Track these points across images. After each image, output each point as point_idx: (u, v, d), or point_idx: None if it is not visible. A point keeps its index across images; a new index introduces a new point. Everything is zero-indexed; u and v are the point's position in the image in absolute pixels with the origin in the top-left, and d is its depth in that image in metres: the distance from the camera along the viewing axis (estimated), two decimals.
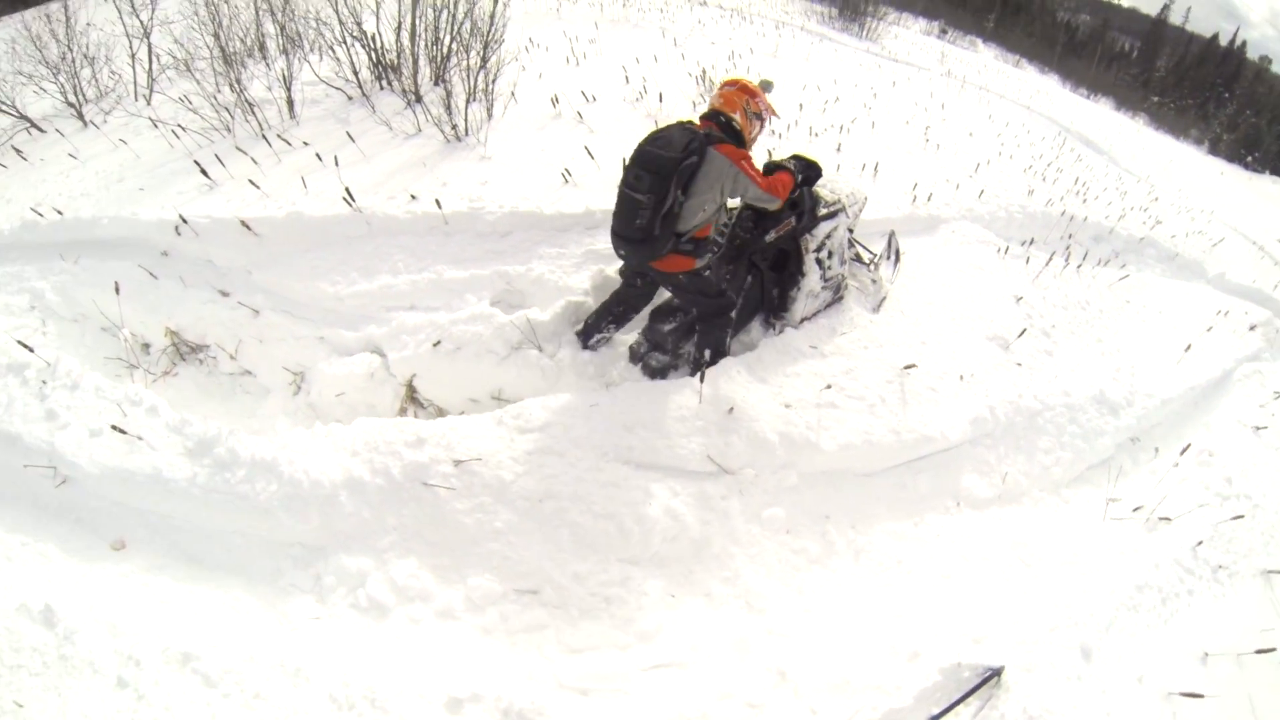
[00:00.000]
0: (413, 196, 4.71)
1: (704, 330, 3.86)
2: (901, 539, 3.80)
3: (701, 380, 3.63)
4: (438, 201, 4.58)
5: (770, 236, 4.05)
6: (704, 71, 8.56)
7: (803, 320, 4.40)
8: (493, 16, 6.55)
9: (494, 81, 6.36)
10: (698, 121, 3.51)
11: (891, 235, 5.53)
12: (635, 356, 4.06)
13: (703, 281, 3.59)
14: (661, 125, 3.49)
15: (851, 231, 4.72)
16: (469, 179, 5.07)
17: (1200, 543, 4.31)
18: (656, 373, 3.96)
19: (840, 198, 4.42)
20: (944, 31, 41.04)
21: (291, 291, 4.41)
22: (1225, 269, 10.00)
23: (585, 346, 4.07)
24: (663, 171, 3.18)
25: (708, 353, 3.86)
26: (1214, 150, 41.18)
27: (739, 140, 3.52)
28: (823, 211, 4.26)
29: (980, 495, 4.21)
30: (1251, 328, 8.16)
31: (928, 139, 9.34)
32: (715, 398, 3.69)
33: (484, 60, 6.44)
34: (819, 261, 4.33)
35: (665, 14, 15.32)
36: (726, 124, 3.50)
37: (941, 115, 11.79)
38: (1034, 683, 3.12)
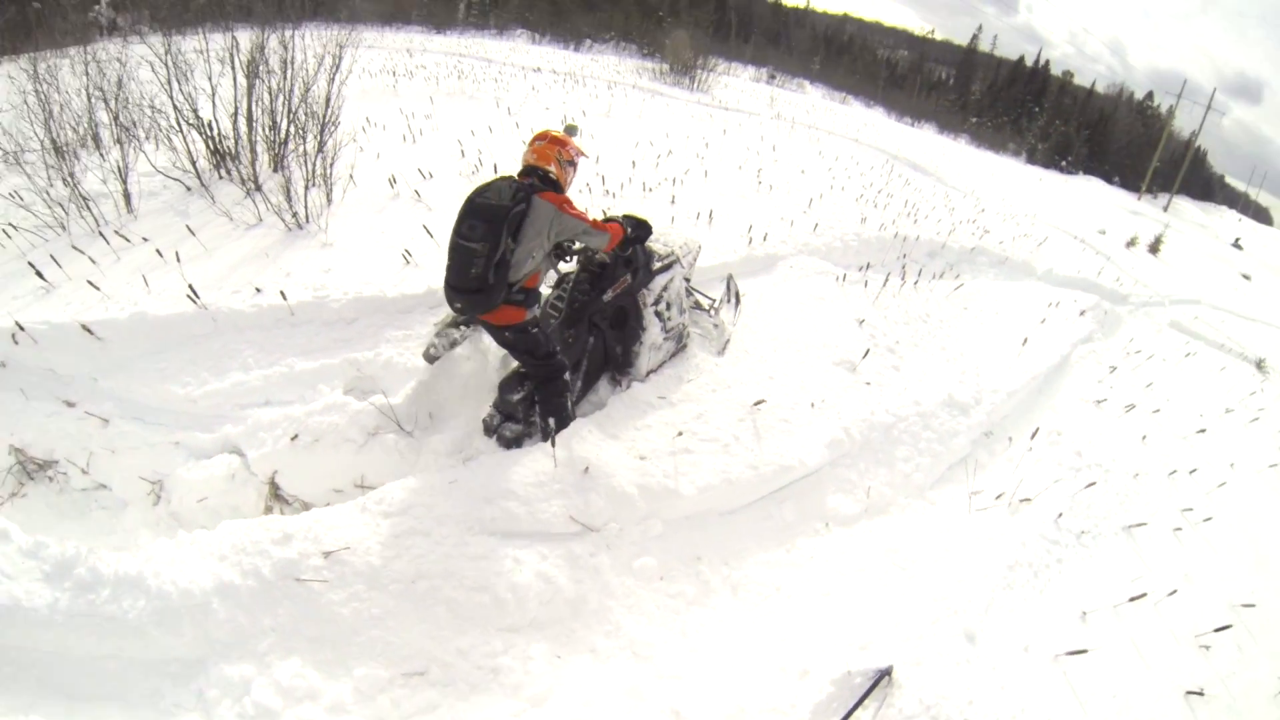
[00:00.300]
0: (257, 289, 4.87)
1: (543, 399, 4.15)
2: (776, 567, 4.19)
3: (553, 445, 3.93)
4: (282, 293, 4.76)
5: (608, 296, 4.44)
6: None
7: (649, 373, 4.82)
8: (328, 99, 6.92)
9: (332, 165, 6.71)
10: (517, 177, 3.89)
11: (729, 279, 6.12)
12: (489, 430, 4.26)
13: (531, 340, 3.91)
14: (484, 182, 3.85)
15: (688, 281, 5.28)
16: (312, 267, 5.33)
17: (1061, 514, 5.01)
18: (511, 443, 4.16)
19: (673, 249, 4.94)
20: (772, 77, 45.40)
21: (141, 397, 4.41)
22: (1052, 265, 11.59)
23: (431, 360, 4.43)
24: (495, 219, 3.53)
25: (552, 421, 4.14)
26: (1031, 159, 47.43)
27: (557, 188, 3.93)
28: (657, 265, 4.74)
29: (847, 513, 4.69)
30: (1081, 313, 9.49)
31: (760, 181, 10.37)
32: (570, 459, 3.93)
33: (321, 144, 6.78)
34: (658, 314, 4.79)
35: (499, 83, 16.34)
36: (544, 176, 3.90)
37: (773, 157, 13.09)
38: (925, 675, 3.52)
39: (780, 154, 13.57)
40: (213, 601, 3.14)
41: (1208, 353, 11.80)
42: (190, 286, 4.68)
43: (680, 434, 4.47)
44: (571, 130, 4.33)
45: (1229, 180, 79.57)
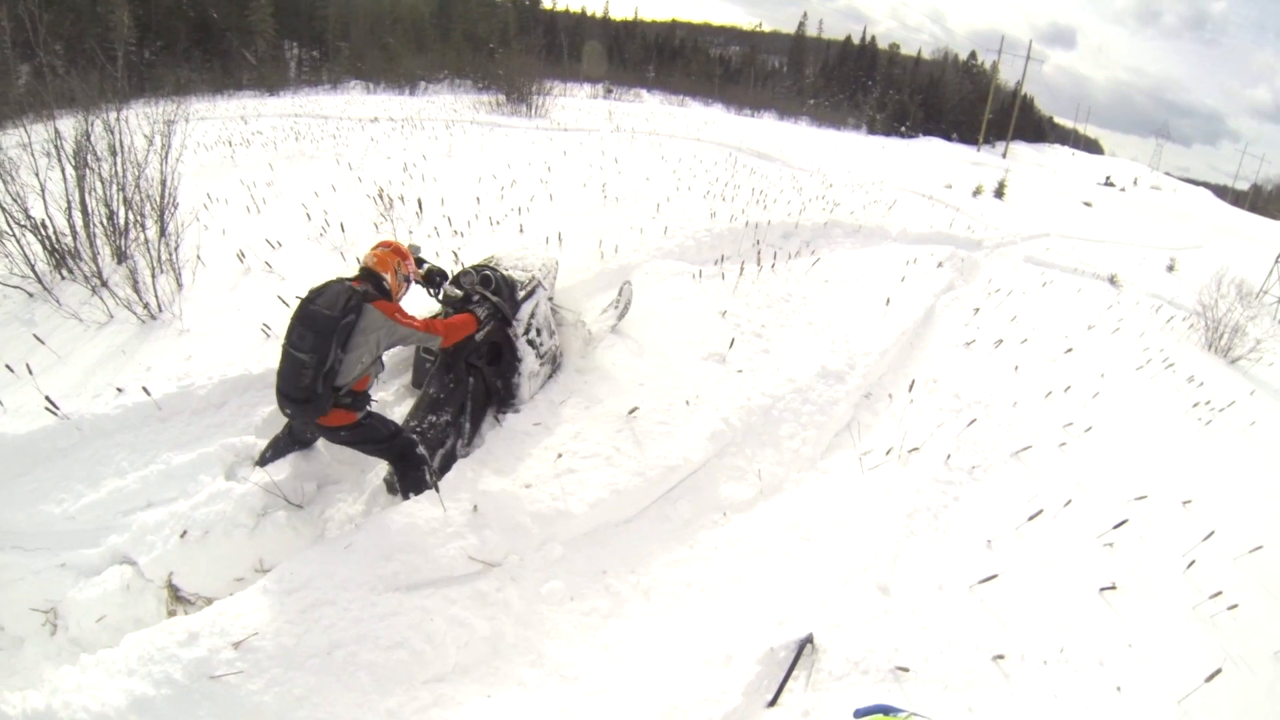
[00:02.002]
0: (119, 390, 4.74)
1: (401, 476, 4.24)
2: (682, 565, 4.34)
3: (438, 491, 3.99)
4: (145, 389, 4.65)
5: (479, 335, 4.60)
6: (381, 190, 9.27)
7: (531, 397, 5.08)
8: (163, 180, 6.79)
9: (176, 249, 6.57)
10: (353, 278, 4.02)
11: (624, 286, 6.53)
12: (391, 488, 4.37)
13: (367, 431, 4.03)
14: (319, 284, 3.93)
15: (552, 300, 5.49)
16: (172, 357, 5.31)
17: (949, 456, 5.38)
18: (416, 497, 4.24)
19: (533, 274, 5.14)
20: (609, 91, 46.80)
21: (16, 523, 4.22)
22: (905, 225, 12.40)
23: (263, 464, 4.42)
24: (324, 331, 3.62)
25: (412, 494, 4.20)
26: (872, 130, 51.01)
27: (389, 296, 4.07)
28: (521, 294, 4.94)
29: (743, 498, 4.89)
30: (939, 265, 10.19)
31: (605, 195, 10.59)
32: (457, 503, 4.02)
33: (162, 228, 6.60)
34: (530, 343, 5.03)
35: (338, 139, 16.22)
36: (379, 282, 4.06)
37: (617, 169, 13.40)
38: (846, 635, 3.70)
39: (623, 165, 13.93)
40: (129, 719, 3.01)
41: (1063, 279, 12.90)
42: (47, 398, 4.50)
43: (560, 456, 4.59)
44: (415, 249, 4.50)
45: (1057, 120, 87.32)
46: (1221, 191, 65.79)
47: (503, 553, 3.98)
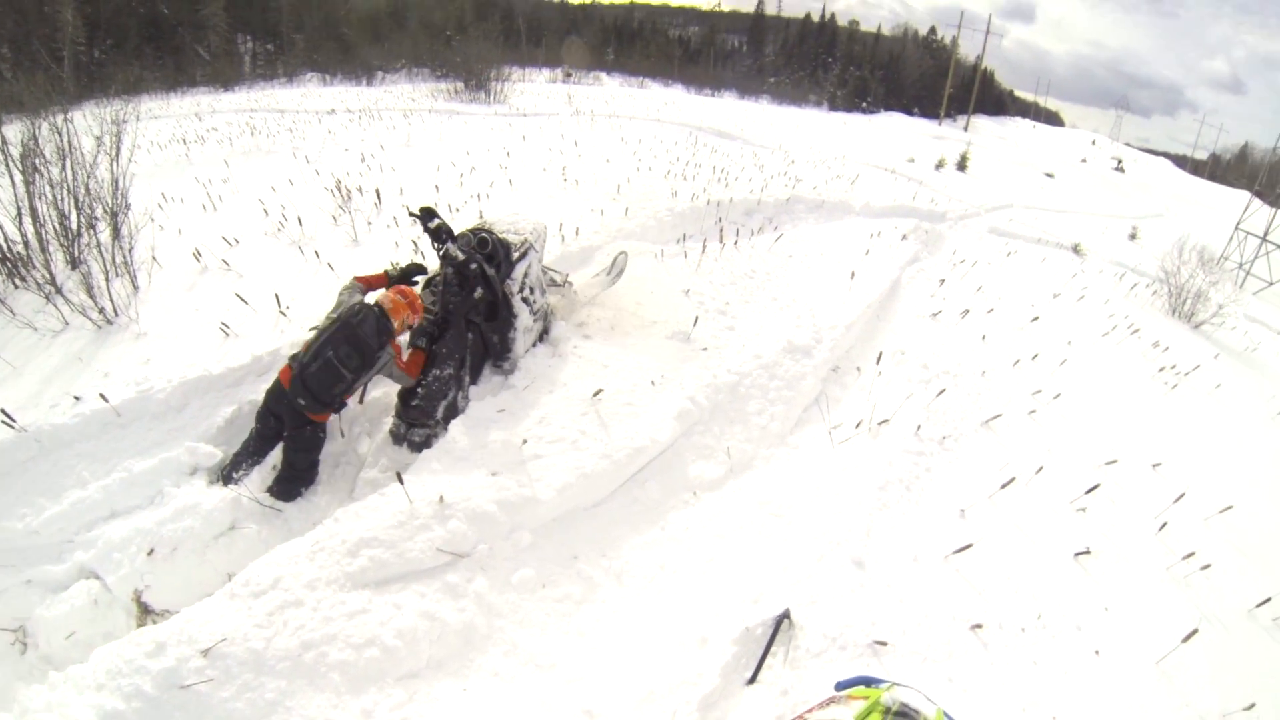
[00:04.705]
0: (76, 398, 4.58)
1: (290, 477, 4.43)
2: (654, 546, 4.31)
3: (401, 482, 3.95)
4: (103, 395, 4.52)
5: (478, 293, 4.91)
6: (339, 182, 9.12)
7: (525, 352, 5.40)
8: (115, 182, 6.73)
9: (131, 251, 6.47)
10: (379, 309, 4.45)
11: (618, 256, 6.84)
12: (398, 438, 4.69)
13: (313, 440, 4.40)
14: (355, 305, 4.44)
15: (542, 262, 5.73)
16: (130, 361, 5.24)
17: (920, 426, 5.37)
18: (421, 446, 4.58)
19: (525, 236, 5.38)
20: (568, 75, 46.59)
21: None
22: (868, 199, 12.44)
23: (229, 482, 4.41)
24: (368, 356, 4.29)
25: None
26: (834, 106, 51.40)
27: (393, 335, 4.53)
28: (515, 255, 5.19)
29: (712, 477, 4.86)
30: (904, 237, 10.25)
31: (565, 178, 10.57)
32: (423, 494, 3.97)
33: (116, 231, 6.49)
34: (525, 300, 5.29)
35: (295, 133, 15.93)
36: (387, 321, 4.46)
37: (577, 152, 13.38)
38: (822, 610, 3.67)
39: (583, 149, 13.90)
40: None
41: (1027, 249, 13.06)
42: (3, 411, 4.35)
43: (525, 441, 4.53)
44: (428, 212, 4.95)
45: (1018, 93, 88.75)
46: (1181, 161, 67.37)
47: (471, 543, 3.93)
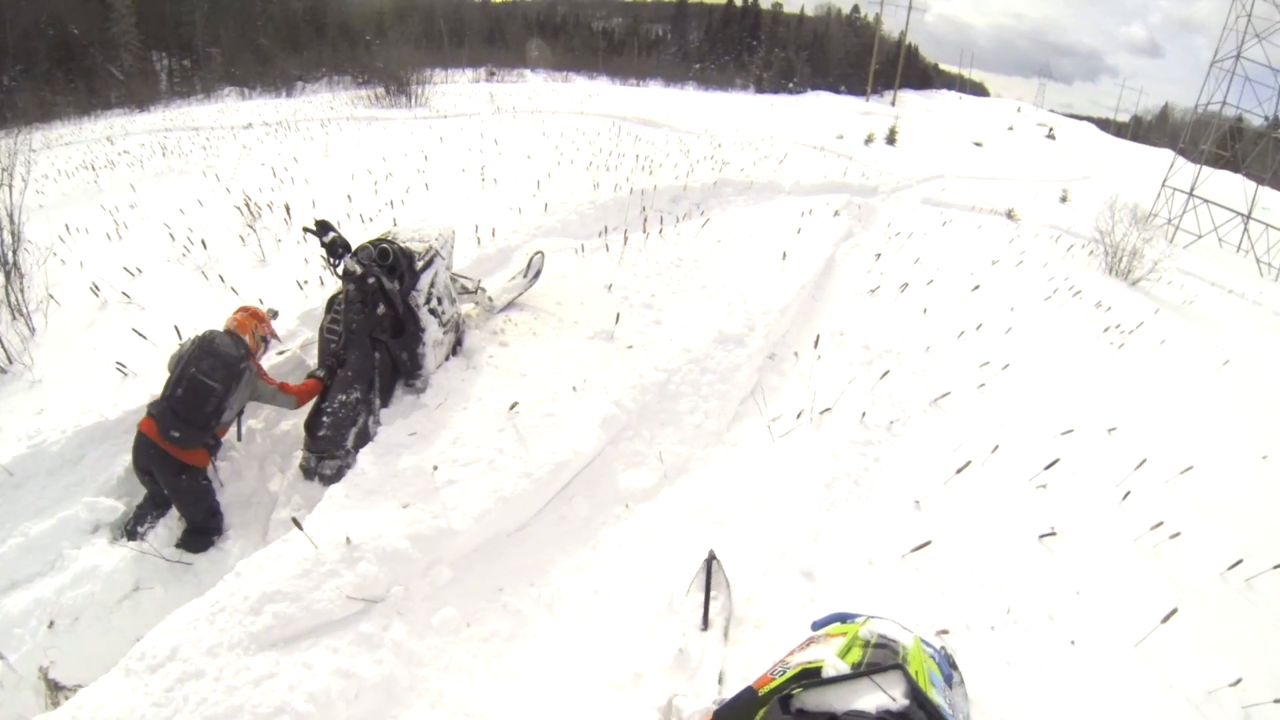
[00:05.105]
0: None
1: (193, 532, 4.19)
2: (586, 569, 3.92)
3: (300, 527, 3.57)
4: None
5: (381, 310, 4.65)
6: (248, 200, 8.77)
7: (438, 367, 5.03)
8: (10, 216, 6.50)
9: (23, 293, 6.22)
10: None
11: (534, 256, 6.48)
12: (309, 473, 4.43)
13: (202, 490, 4.16)
14: (208, 330, 4.32)
15: (450, 269, 5.35)
16: (23, 413, 4.96)
17: (865, 413, 5.00)
18: (332, 479, 4.24)
19: (430, 243, 5.06)
20: (492, 74, 46.04)
21: None
22: (798, 177, 12.15)
23: (133, 538, 4.15)
24: (231, 367, 4.11)
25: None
26: (760, 89, 51.64)
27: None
28: (419, 264, 4.88)
29: (645, 486, 4.47)
30: (836, 214, 9.95)
31: (484, 178, 10.11)
32: (329, 536, 3.58)
33: (8, 270, 6.26)
34: (433, 312, 4.96)
35: (209, 151, 15.26)
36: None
37: (497, 151, 12.92)
38: (769, 633, 3.28)
39: (503, 146, 13.46)
40: None
41: (962, 217, 12.93)
42: None
43: (436, 468, 4.13)
44: (273, 313, 4.90)
45: (943, 67, 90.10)
46: (1104, 125, 69.09)
47: (384, 586, 3.53)
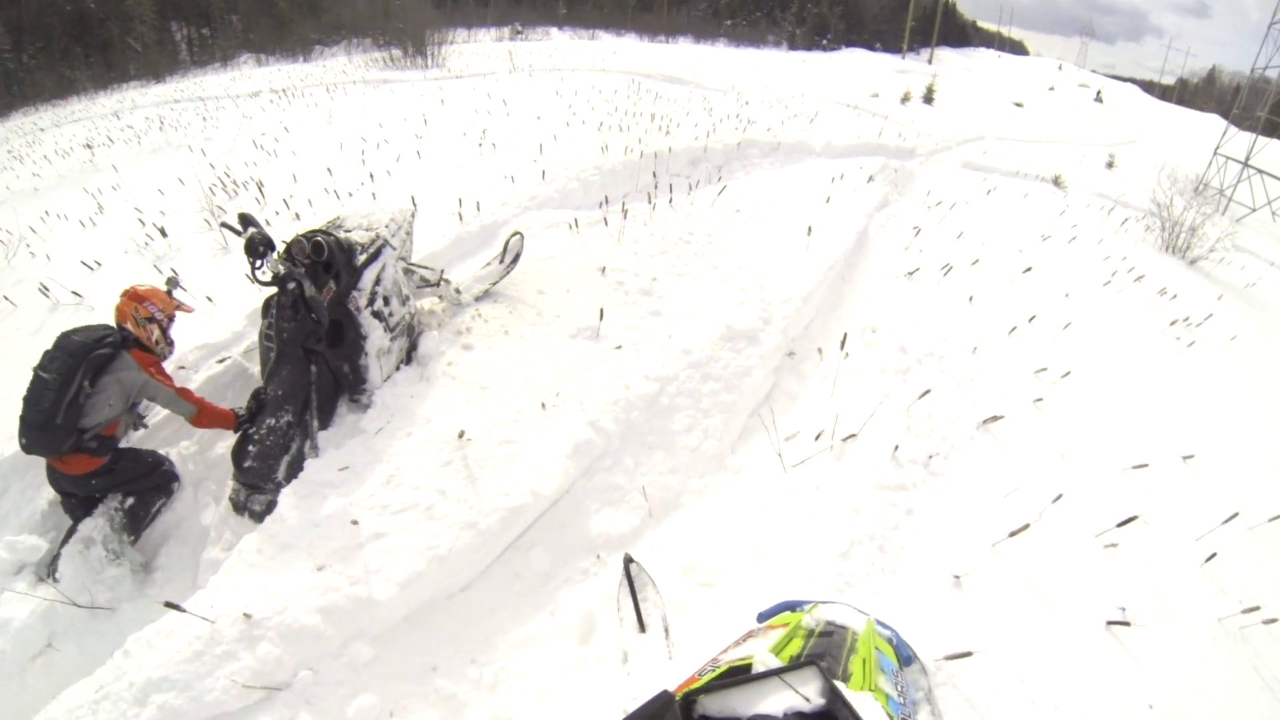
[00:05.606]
0: None
1: (136, 507, 3.90)
2: (542, 641, 3.17)
3: (179, 608, 2.97)
4: None
5: (316, 315, 4.02)
6: (224, 177, 8.28)
7: (386, 379, 4.33)
8: None
9: None
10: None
11: (511, 238, 5.64)
12: (239, 507, 3.89)
13: (126, 470, 3.83)
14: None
15: (405, 260, 4.68)
16: None
17: (897, 446, 4.02)
18: (262, 516, 3.72)
19: (377, 232, 4.41)
20: (518, 32, 44.67)
21: None
22: (829, 137, 11.00)
23: (55, 577, 3.73)
24: (75, 354, 3.58)
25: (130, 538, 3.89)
26: (793, 46, 49.79)
27: (144, 348, 3.86)
28: (361, 258, 4.23)
29: (622, 530, 3.63)
30: (870, 179, 8.85)
31: (483, 143, 9.21)
32: (229, 607, 3.00)
33: None
34: (377, 315, 4.29)
35: (209, 123, 14.40)
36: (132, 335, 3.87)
37: (506, 111, 11.97)
38: None
39: (514, 106, 12.52)
40: None
41: (1006, 183, 11.72)
42: None
43: (356, 522, 3.33)
44: (171, 283, 4.21)
45: (981, 24, 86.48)
46: (1149, 87, 65.94)
47: (290, 670, 2.94)
